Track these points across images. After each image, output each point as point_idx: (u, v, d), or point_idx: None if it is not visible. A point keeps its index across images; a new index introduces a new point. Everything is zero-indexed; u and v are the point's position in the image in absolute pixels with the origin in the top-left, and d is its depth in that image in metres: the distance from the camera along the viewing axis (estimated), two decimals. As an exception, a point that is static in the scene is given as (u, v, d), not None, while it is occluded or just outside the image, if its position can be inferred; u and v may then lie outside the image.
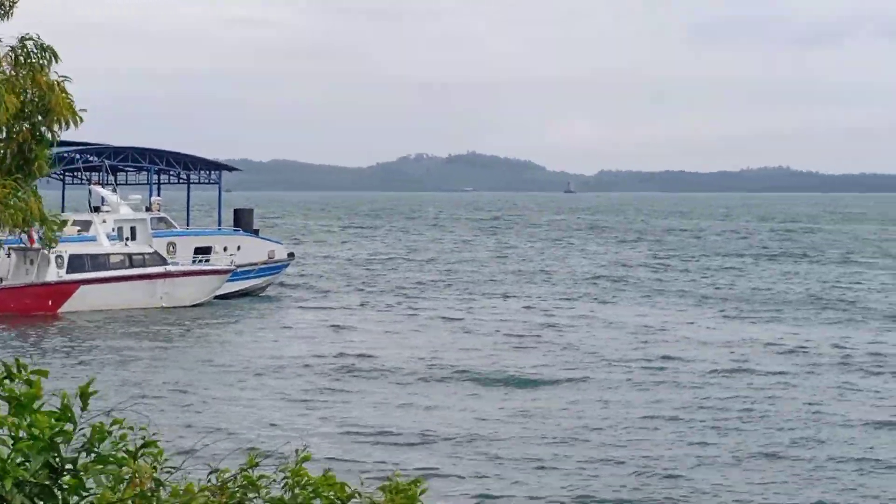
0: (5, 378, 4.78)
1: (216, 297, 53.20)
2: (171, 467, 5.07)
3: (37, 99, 7.97)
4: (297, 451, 5.07)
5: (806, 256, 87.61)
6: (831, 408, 29.50)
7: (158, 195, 61.45)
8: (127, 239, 53.32)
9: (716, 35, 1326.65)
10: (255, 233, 62.37)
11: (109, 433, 4.70)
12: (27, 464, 4.61)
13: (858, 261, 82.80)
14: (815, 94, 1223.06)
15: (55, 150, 10.04)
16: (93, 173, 61.02)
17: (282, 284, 59.13)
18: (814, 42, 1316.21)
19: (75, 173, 64.77)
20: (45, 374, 4.80)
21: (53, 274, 49.71)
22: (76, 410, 4.73)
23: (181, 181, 66.02)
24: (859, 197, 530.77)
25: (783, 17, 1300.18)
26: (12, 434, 4.61)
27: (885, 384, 32.97)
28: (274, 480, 5.11)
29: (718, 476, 23.11)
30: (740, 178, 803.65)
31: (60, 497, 4.63)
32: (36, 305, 48.86)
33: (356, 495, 5.04)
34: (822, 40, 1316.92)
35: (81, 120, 8.21)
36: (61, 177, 64.96)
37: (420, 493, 4.94)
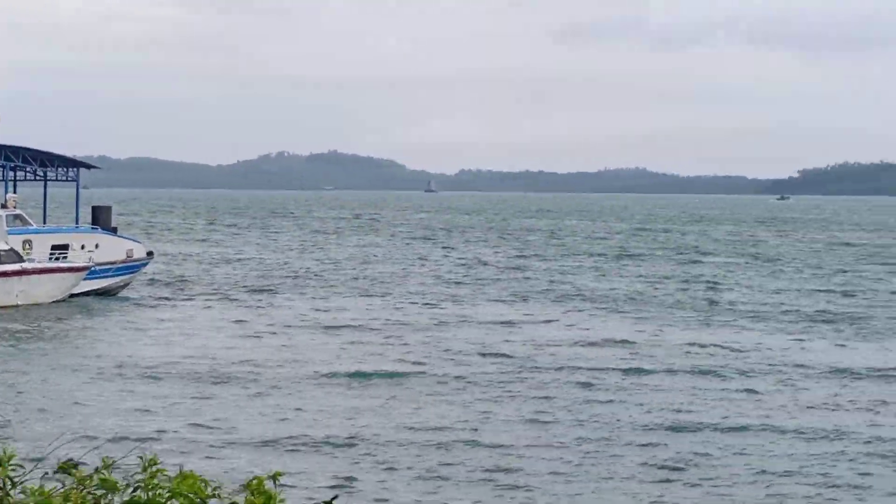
0: None
1: (74, 296, 52.19)
2: (16, 464, 4.93)
3: None
4: (144, 456, 4.94)
5: (667, 256, 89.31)
6: (681, 405, 30.07)
7: (14, 192, 60.04)
8: (-20, 237, 52.01)
9: (578, 37, 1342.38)
10: (114, 231, 61.28)
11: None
12: None
13: (714, 261, 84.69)
14: (673, 97, 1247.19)
15: None
16: (-56, 170, 59.44)
17: (140, 283, 58.22)
18: (671, 45, 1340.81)
19: (-74, 170, 62.95)
20: None
21: None
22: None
23: (38, 178, 64.62)
24: (718, 199, 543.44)
25: (642, 21, 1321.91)
26: None
27: (740, 384, 33.76)
28: (128, 485, 5.00)
29: (568, 467, 23.39)
30: (598, 178, 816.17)
31: None
32: None
33: (216, 496, 4.96)
34: (678, 44, 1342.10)
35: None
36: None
37: (280, 492, 4.89)
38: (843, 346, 40.87)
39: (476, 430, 26.78)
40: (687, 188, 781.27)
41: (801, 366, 35.65)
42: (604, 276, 69.34)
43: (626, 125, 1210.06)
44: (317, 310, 50.66)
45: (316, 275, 68.17)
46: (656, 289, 60.56)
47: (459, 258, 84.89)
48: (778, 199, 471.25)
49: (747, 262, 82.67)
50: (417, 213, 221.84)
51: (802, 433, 26.72)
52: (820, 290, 60.61)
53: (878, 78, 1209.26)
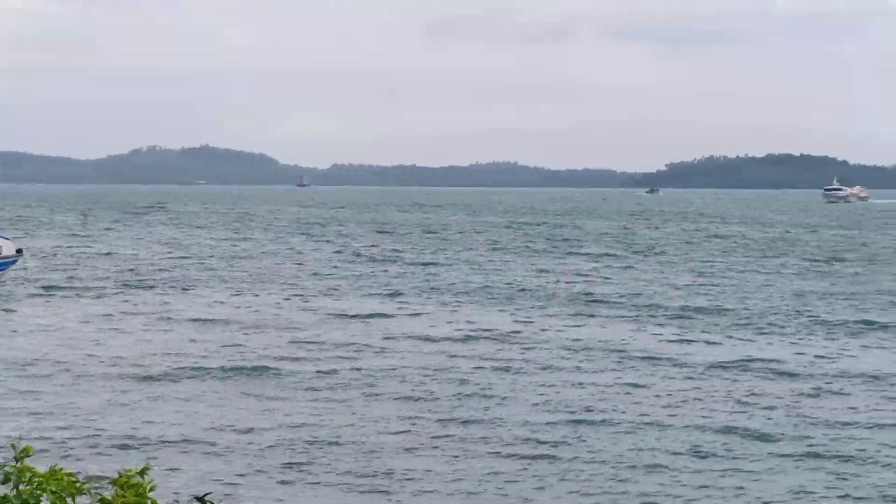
0: None
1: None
2: None
3: None
4: (14, 445, 4.85)
5: (543, 250, 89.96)
6: (559, 400, 30.26)
7: None
8: None
9: (450, 30, 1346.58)
10: (-22, 227, 59.92)
11: None
12: None
13: (589, 253, 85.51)
14: (543, 91, 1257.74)
15: None
16: None
17: (10, 281, 56.77)
18: (540, 39, 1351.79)
19: None
20: None
21: None
22: None
23: None
24: (588, 192, 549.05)
25: (511, 15, 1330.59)
26: None
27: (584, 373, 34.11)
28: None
29: (443, 467, 23.35)
30: (470, 172, 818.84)
31: None
32: None
33: (85, 491, 4.86)
34: (548, 37, 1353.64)
35: None
36: None
37: (149, 486, 4.82)
38: (712, 337, 41.51)
39: (349, 426, 26.56)
40: (558, 182, 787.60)
41: (673, 359, 35.99)
42: (479, 269, 69.54)
43: (498, 119, 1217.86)
44: (189, 305, 49.87)
45: (189, 269, 67.21)
46: (532, 282, 60.88)
47: (334, 252, 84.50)
48: (648, 193, 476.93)
49: (623, 255, 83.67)
50: (291, 206, 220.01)
51: (666, 426, 27.08)
52: (691, 283, 61.62)
53: (741, 73, 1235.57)
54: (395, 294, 54.40)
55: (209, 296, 53.37)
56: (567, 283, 60.25)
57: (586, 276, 64.67)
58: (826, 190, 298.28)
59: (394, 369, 33.68)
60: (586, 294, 54.54)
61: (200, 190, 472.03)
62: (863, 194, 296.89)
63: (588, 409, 28.23)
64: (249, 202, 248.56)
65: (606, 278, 63.05)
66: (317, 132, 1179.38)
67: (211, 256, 78.53)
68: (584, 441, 25.24)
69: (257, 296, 53.34)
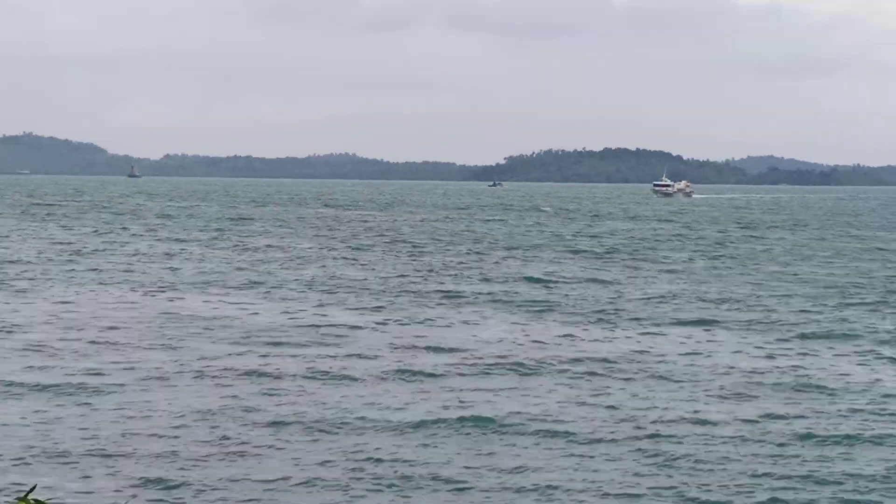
0: None
1: None
2: None
3: None
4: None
5: (383, 245, 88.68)
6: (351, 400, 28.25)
7: None
8: None
9: (289, 17, 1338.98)
10: None
11: None
12: None
13: (428, 248, 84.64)
14: (382, 81, 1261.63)
15: None
16: None
17: None
18: (381, 28, 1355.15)
19: None
20: None
21: None
22: None
23: None
24: (433, 185, 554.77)
25: (352, 2, 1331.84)
26: None
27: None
28: None
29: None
30: (308, 164, 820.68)
31: None
32: None
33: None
34: (389, 27, 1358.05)
35: None
36: None
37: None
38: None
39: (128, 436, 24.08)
40: (396, 174, 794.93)
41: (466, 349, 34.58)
42: (319, 263, 67.60)
43: (335, 109, 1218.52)
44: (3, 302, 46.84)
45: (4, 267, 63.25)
46: (383, 278, 59.17)
47: (163, 248, 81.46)
48: (490, 185, 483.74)
49: (467, 251, 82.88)
50: (125, 197, 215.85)
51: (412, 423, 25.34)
52: (531, 278, 60.75)
53: (581, 67, 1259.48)
54: (221, 287, 51.99)
55: (27, 295, 49.94)
56: (412, 277, 58.78)
57: (431, 269, 63.40)
58: (655, 185, 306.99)
59: (198, 360, 31.41)
60: (442, 292, 53.10)
61: (23, 180, 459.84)
62: (688, 189, 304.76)
63: (394, 413, 26.32)
64: (76, 194, 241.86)
65: (453, 271, 61.82)
66: (149, 121, 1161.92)
67: (21, 252, 74.55)
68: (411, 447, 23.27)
69: (75, 293, 50.21)
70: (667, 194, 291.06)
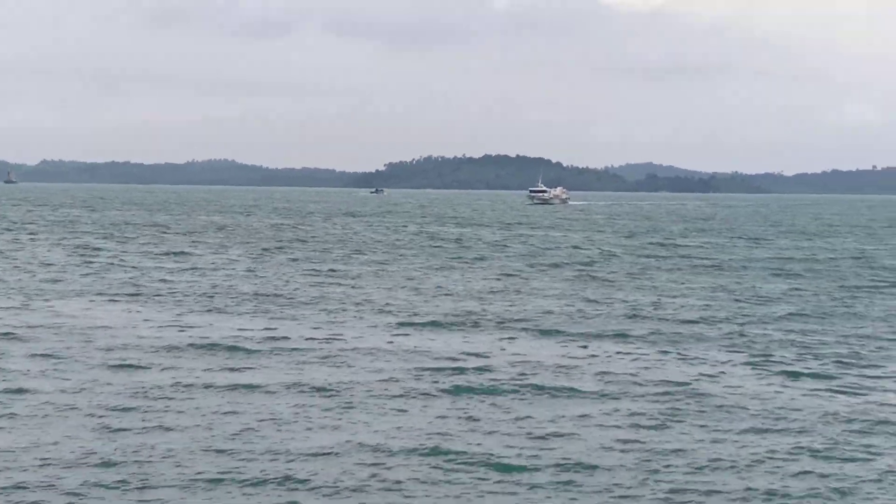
0: None
1: None
2: None
3: None
4: None
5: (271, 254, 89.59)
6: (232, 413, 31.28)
7: None
8: None
9: (169, 22, 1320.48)
10: None
11: None
12: None
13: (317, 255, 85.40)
14: (262, 87, 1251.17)
15: None
16: None
17: None
18: (262, 33, 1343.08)
19: None
20: None
21: None
22: None
23: None
24: (314, 192, 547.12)
25: (233, 7, 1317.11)
26: None
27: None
28: None
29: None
30: (187, 170, 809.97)
31: None
32: None
33: None
34: (269, 31, 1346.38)
35: None
36: None
37: None
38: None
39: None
40: (276, 180, 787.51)
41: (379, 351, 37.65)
42: (203, 273, 68.70)
43: (215, 115, 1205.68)
44: None
45: None
46: (278, 286, 59.83)
47: (50, 256, 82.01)
48: (372, 193, 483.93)
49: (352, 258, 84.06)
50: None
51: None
52: (434, 289, 62.87)
53: (461, 73, 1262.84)
54: (99, 295, 52.96)
55: None
56: (296, 283, 60.13)
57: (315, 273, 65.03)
58: (531, 191, 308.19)
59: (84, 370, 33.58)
60: (319, 297, 54.80)
61: None
62: (563, 196, 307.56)
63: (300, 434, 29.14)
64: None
65: (337, 277, 63.20)
66: (26, 126, 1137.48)
67: None
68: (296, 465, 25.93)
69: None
70: (543, 200, 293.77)
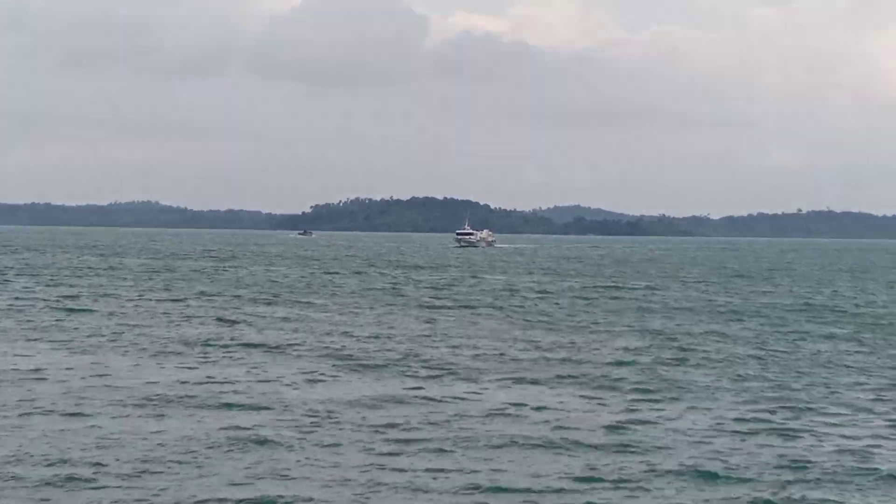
0: None
1: None
2: None
3: None
4: None
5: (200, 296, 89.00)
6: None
7: None
8: None
9: (91, 62, 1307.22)
10: None
11: None
12: None
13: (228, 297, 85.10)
14: (184, 128, 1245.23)
15: None
16: None
17: None
18: (184, 74, 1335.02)
19: None
20: None
21: None
22: None
23: None
24: (238, 233, 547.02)
25: (156, 48, 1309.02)
26: None
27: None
28: None
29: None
30: (109, 211, 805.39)
31: None
32: None
33: None
34: (193, 73, 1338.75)
35: None
36: None
37: None
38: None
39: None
40: (201, 222, 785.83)
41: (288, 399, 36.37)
42: (124, 315, 67.95)
43: (139, 156, 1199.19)
44: None
45: None
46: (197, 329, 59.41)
47: None
48: (300, 234, 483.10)
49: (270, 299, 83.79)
50: None
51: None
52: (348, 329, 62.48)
53: (388, 115, 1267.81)
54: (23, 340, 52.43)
55: None
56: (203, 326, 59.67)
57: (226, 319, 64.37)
58: (457, 234, 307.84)
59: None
60: (231, 337, 54.19)
61: None
62: (490, 238, 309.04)
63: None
64: None
65: (247, 320, 62.86)
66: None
67: None
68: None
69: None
70: (470, 243, 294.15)
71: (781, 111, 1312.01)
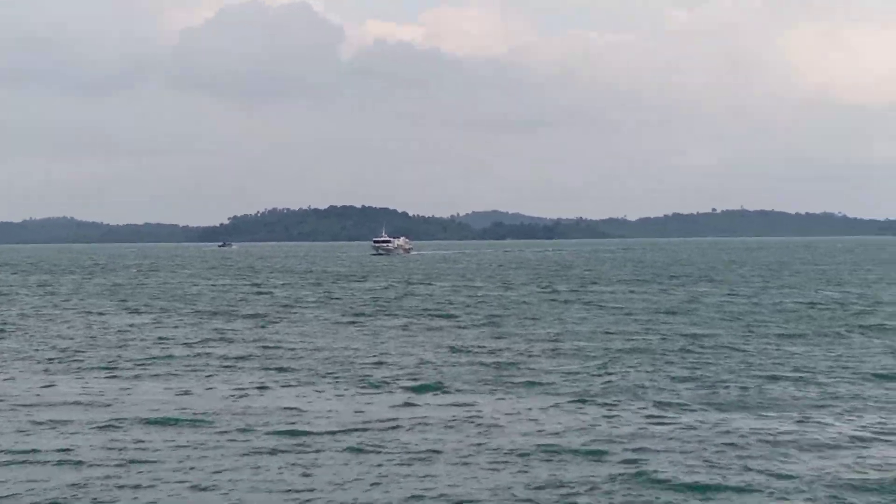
0: None
1: None
2: None
3: None
4: None
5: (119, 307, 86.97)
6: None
7: None
8: None
9: (9, 79, 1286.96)
10: None
11: None
12: None
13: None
14: (99, 144, 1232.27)
15: None
16: None
17: None
18: (100, 90, 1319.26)
19: None
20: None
21: None
22: None
23: None
24: (157, 248, 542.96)
25: (73, 63, 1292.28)
26: None
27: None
28: None
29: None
30: (25, 228, 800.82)
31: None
32: None
33: None
34: (108, 89, 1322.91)
35: None
36: None
37: None
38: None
39: None
40: (118, 237, 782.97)
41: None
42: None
43: (53, 172, 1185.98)
44: None
45: None
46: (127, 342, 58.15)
47: None
48: (220, 246, 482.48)
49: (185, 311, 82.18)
50: None
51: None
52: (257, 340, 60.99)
53: (308, 125, 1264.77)
54: None
55: None
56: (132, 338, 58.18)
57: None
58: (374, 241, 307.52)
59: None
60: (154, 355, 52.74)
61: None
62: (407, 246, 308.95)
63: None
64: None
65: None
66: None
67: None
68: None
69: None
70: (387, 251, 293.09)
71: (697, 111, 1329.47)
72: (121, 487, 25.13)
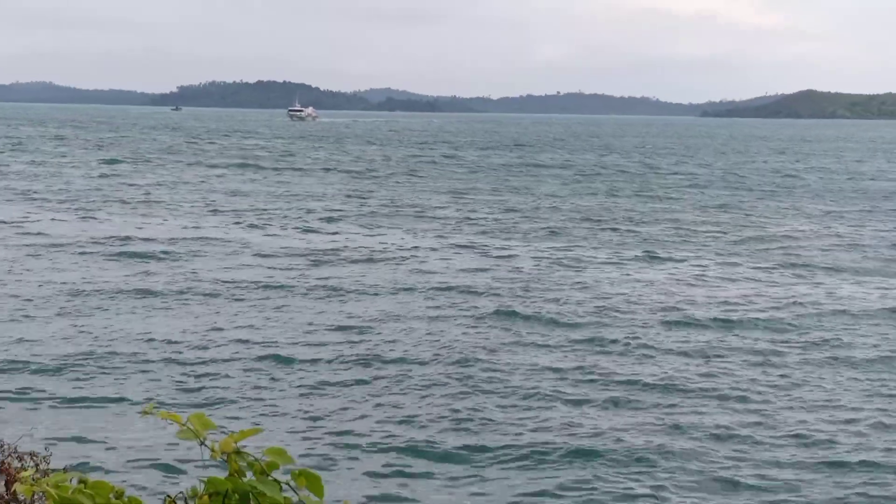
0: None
1: None
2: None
3: None
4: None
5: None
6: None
7: None
8: None
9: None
10: None
11: None
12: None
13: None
14: (78, 17, 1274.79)
15: None
16: None
17: None
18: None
19: None
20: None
21: None
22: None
23: None
24: (121, 109, 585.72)
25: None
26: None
27: None
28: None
29: None
30: (11, 90, 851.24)
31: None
32: None
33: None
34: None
35: None
36: None
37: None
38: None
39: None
40: (88, 99, 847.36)
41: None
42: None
43: (36, 44, 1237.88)
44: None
45: None
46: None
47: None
48: (173, 110, 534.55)
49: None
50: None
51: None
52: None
53: (240, 9, 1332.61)
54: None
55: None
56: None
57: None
58: (290, 110, 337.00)
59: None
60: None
61: None
62: (314, 114, 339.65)
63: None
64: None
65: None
66: None
67: None
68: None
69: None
70: (300, 118, 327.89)
71: (551, 11, 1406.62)
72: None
